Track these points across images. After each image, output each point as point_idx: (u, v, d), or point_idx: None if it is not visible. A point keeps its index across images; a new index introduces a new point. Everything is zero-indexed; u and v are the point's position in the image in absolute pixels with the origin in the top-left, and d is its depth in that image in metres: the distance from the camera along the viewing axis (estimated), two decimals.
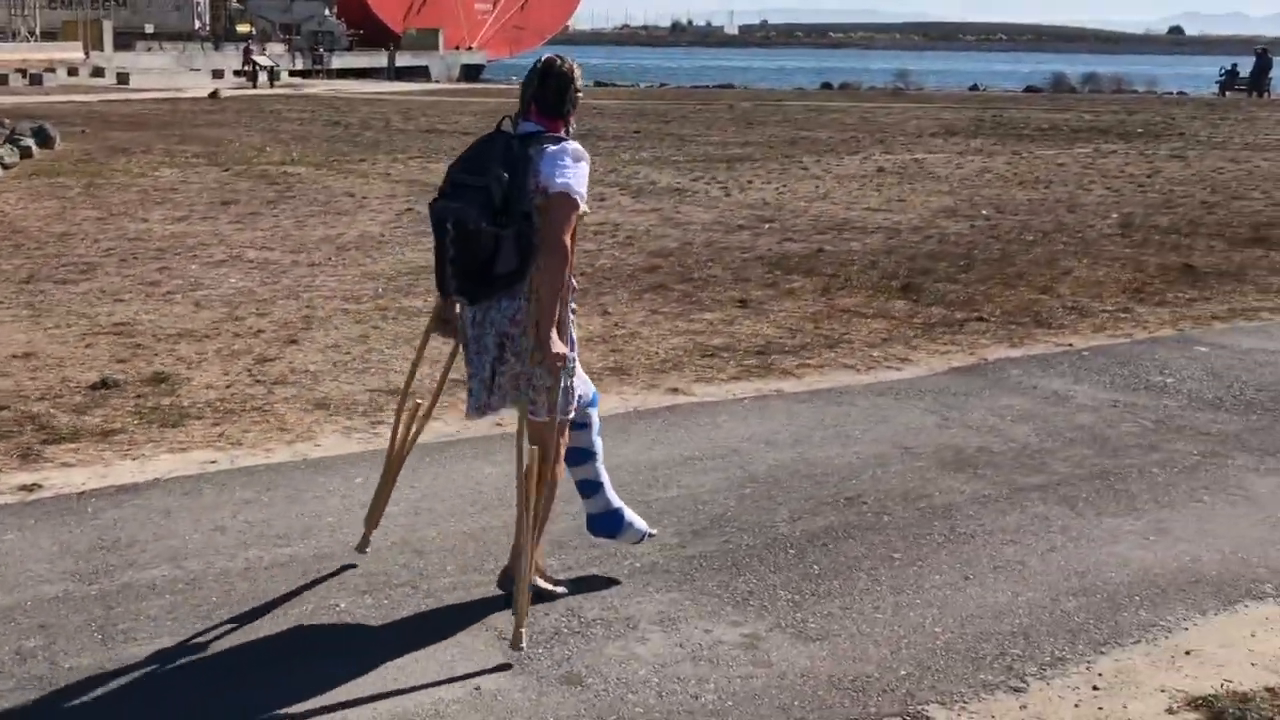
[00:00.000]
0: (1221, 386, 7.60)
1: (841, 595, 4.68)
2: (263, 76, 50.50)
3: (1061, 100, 42.99)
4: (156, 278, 10.52)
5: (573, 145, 4.20)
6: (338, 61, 69.92)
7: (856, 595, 4.68)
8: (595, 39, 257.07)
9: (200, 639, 4.27)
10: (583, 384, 4.54)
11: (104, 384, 7.30)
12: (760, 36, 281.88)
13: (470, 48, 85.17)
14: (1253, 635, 4.42)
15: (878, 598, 4.66)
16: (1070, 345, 8.64)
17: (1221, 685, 4.06)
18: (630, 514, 4.83)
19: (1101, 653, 4.28)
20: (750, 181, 17.93)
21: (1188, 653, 4.28)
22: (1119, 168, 20.03)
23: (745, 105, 37.67)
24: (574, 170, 4.13)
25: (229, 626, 4.37)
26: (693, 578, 4.81)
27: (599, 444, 4.72)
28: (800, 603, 4.62)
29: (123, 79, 47.05)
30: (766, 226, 13.69)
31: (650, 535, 4.94)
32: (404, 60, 72.46)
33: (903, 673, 4.13)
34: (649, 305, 9.71)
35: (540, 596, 4.57)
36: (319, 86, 50.29)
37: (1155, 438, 6.58)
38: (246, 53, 56.16)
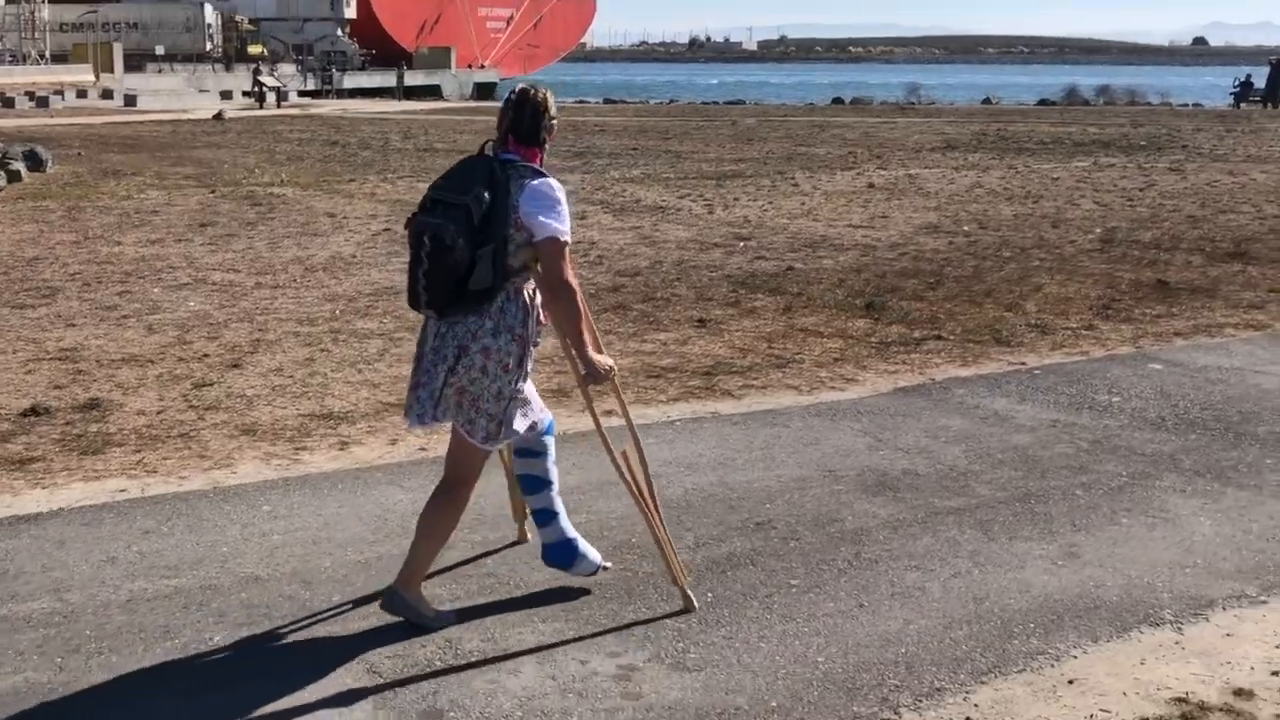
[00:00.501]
0: (1167, 405, 7.47)
1: (729, 624, 4.58)
2: (270, 97, 50.70)
3: (1071, 113, 42.83)
4: (115, 302, 10.49)
5: (551, 182, 4.31)
6: (349, 81, 70.31)
7: (744, 624, 4.58)
8: (613, 56, 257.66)
9: (64, 673, 4.20)
10: (538, 412, 4.58)
11: (34, 411, 7.25)
12: (779, 51, 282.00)
13: (483, 66, 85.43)
14: (1141, 663, 4.30)
15: (765, 626, 4.56)
16: (1023, 364, 8.52)
17: (1094, 716, 3.94)
18: (584, 545, 4.86)
19: (983, 682, 4.17)
20: (737, 199, 17.85)
21: (1071, 682, 4.17)
22: (1113, 181, 19.89)
23: (750, 121, 37.62)
24: (556, 211, 4.26)
25: (96, 660, 4.29)
26: (580, 608, 4.72)
27: (554, 472, 4.78)
28: (685, 632, 4.52)
29: (130, 101, 47.32)
30: (742, 245, 13.61)
31: (604, 568, 4.94)
32: (416, 79, 72.74)
33: (773, 704, 4.02)
34: (605, 325, 9.62)
35: (418, 628, 4.50)
36: (326, 106, 50.51)
37: (1087, 459, 6.46)
38: (255, 74, 56.55)
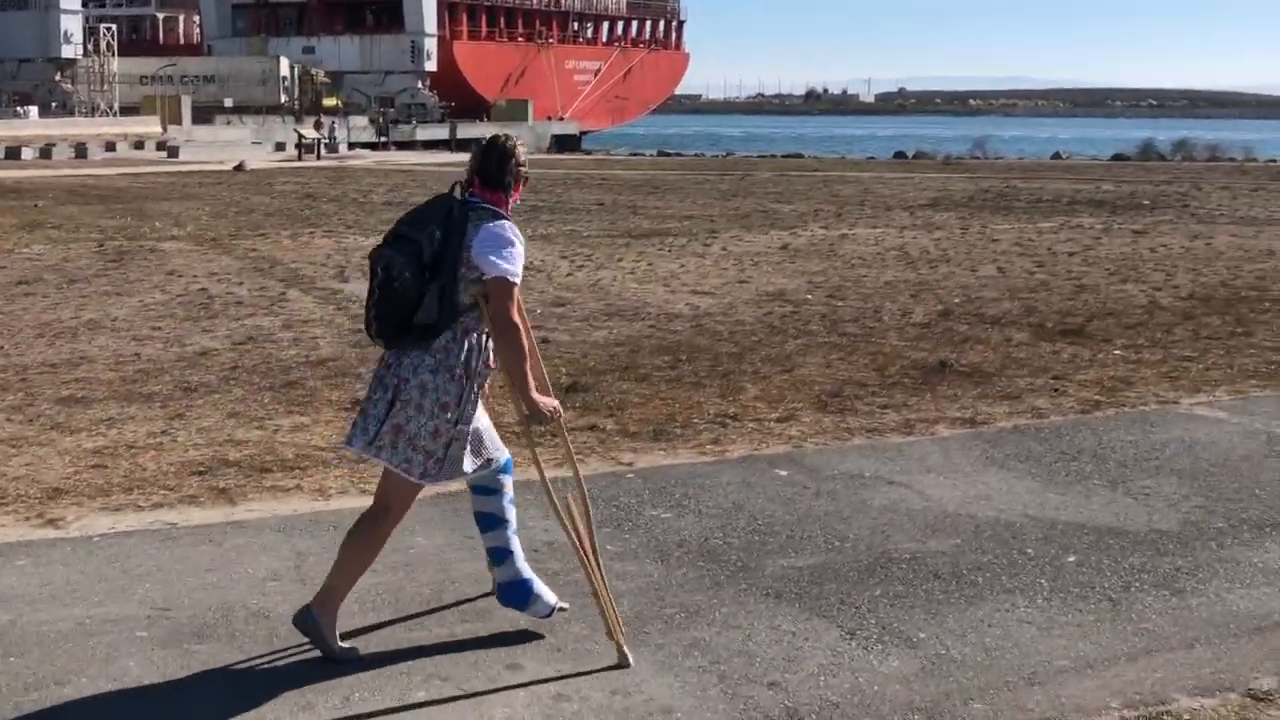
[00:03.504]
0: (709, 526, 6.22)
1: None
2: (321, 148, 51.01)
3: (1120, 169, 40.84)
4: None
5: (507, 224, 4.40)
6: (424, 133, 70.55)
7: None
8: (726, 108, 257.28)
9: None
10: (492, 450, 4.64)
11: None
12: (896, 104, 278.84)
13: (562, 118, 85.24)
14: None
15: None
16: (630, 465, 7.31)
17: None
18: (540, 586, 4.85)
19: None
20: (620, 260, 16.77)
21: None
22: (1050, 245, 18.36)
23: (764, 175, 36.47)
24: (509, 253, 4.34)
25: None
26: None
27: (511, 511, 4.81)
28: None
29: (173, 152, 47.72)
30: (540, 312, 12.51)
31: (561, 609, 4.91)
32: (492, 131, 72.49)
33: None
34: (255, 405, 8.65)
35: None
36: (370, 158, 50.51)
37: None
38: (316, 126, 57.05)
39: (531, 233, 20.10)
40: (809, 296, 13.51)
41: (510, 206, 4.50)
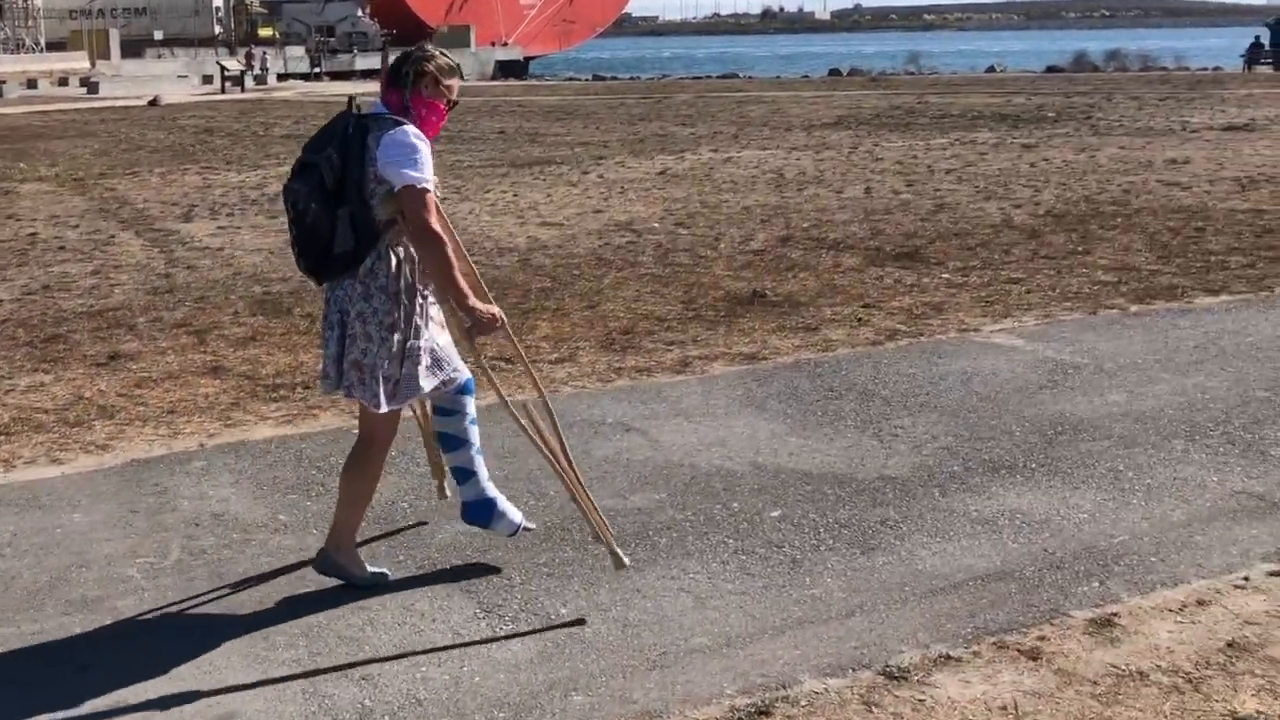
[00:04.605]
0: (383, 488, 5.77)
1: None
2: (248, 80, 50.06)
3: (1046, 81, 40.35)
4: None
5: (409, 129, 4.19)
6: (363, 62, 69.38)
7: None
8: (681, 29, 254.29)
9: None
10: (451, 369, 4.49)
11: None
12: (852, 21, 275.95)
13: (505, 43, 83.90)
14: None
15: None
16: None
17: None
18: (504, 504, 4.81)
19: None
20: (487, 192, 16.23)
21: None
22: (932, 162, 17.88)
23: (682, 98, 35.79)
24: (415, 159, 4.15)
25: None
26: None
27: (474, 432, 4.71)
28: None
29: (92, 88, 46.60)
30: None
31: (527, 529, 4.92)
32: None
33: None
34: (1, 362, 8.13)
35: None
36: (296, 89, 49.50)
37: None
38: (248, 57, 55.96)
39: None
40: (656, 225, 13.01)
41: (420, 102, 4.28)
